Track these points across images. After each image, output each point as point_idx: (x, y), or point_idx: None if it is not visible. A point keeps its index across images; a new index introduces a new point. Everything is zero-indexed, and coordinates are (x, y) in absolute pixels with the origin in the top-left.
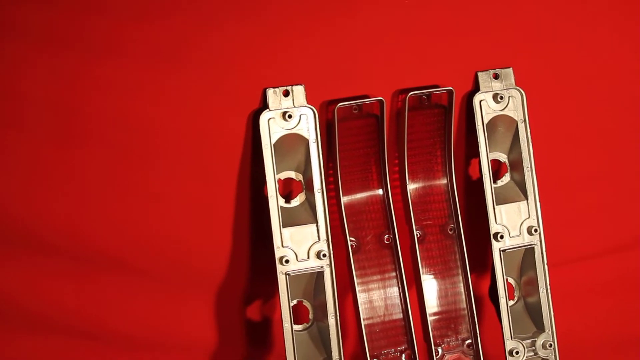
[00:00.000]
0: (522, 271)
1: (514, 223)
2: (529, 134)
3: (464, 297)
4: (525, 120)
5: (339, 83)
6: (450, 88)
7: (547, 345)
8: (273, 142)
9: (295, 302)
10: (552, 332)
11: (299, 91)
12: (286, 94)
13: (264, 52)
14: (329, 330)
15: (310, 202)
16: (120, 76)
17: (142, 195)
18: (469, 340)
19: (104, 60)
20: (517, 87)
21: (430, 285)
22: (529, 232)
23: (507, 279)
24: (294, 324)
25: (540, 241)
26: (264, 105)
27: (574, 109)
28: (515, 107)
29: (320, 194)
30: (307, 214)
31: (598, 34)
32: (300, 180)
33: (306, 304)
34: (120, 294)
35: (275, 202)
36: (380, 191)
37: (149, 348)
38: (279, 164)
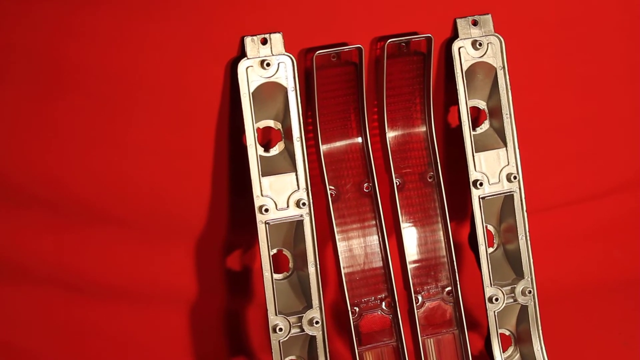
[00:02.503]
0: (501, 218)
1: (493, 170)
2: (508, 80)
3: (443, 244)
4: (504, 67)
5: (317, 31)
6: (429, 35)
7: (527, 292)
8: (251, 90)
9: (275, 251)
10: (532, 278)
11: (277, 39)
12: (264, 42)
13: (241, 0)
14: (309, 278)
15: (289, 151)
16: (100, 26)
17: (122, 145)
18: (449, 288)
19: (84, 10)
20: (496, 34)
21: (410, 234)
22: (508, 179)
23: (486, 226)
24: (274, 273)
25: (520, 188)
26: (242, 54)
27: (553, 55)
28: (494, 53)
29: (299, 143)
30: (286, 163)
31: None
32: (279, 129)
33: (286, 252)
34: (100, 245)
35: (254, 151)
36: (360, 139)
37: (129, 298)
38: (257, 112)
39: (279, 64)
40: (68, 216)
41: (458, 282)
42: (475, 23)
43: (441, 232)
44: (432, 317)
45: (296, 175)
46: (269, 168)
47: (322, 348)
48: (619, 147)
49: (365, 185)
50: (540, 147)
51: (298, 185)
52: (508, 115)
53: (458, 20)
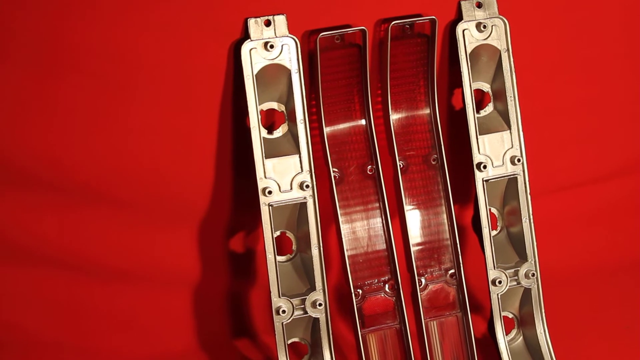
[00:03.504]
0: (505, 201)
1: (497, 153)
2: (512, 63)
3: (447, 227)
4: (508, 49)
5: (321, 13)
6: (433, 17)
7: (530, 275)
8: (255, 72)
9: (278, 233)
10: (535, 261)
11: (280, 21)
12: (268, 23)
13: None
14: (312, 261)
15: (292, 133)
16: (102, 7)
17: (125, 126)
18: (452, 270)
19: None
20: (501, 16)
21: (413, 216)
22: (512, 162)
23: (490, 209)
24: (278, 255)
25: (523, 171)
26: (246, 36)
27: (557, 37)
28: (498, 36)
29: (302, 125)
30: (289, 145)
31: None
32: (282, 111)
33: (289, 235)
34: (103, 226)
35: (257, 133)
36: (363, 121)
37: (132, 280)
38: (261, 94)
39: (282, 46)
40: (70, 197)
41: (461, 265)
42: (479, 5)
43: (445, 215)
44: (435, 299)
45: (299, 157)
46: (273, 150)
47: (325, 330)
48: (622, 129)
49: (369, 167)
50: (544, 130)
51: (301, 167)
52: (512, 98)
53: (462, 3)
